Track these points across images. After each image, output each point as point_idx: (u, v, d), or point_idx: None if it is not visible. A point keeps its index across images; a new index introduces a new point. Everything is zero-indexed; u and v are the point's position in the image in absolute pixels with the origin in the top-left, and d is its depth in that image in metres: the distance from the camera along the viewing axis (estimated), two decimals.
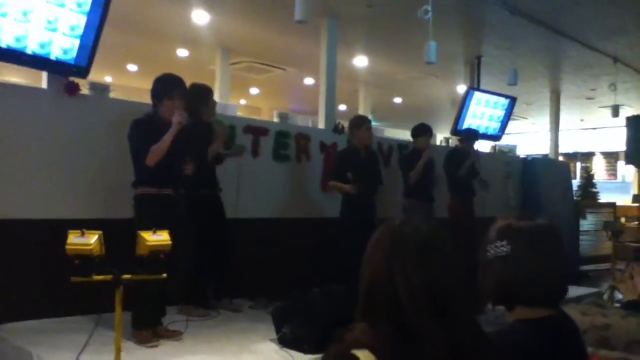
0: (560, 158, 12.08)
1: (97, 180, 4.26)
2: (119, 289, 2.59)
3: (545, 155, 11.16)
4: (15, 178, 3.92)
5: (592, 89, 10.74)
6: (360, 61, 8.94)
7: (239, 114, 8.18)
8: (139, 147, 3.61)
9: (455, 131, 7.72)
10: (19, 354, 3.35)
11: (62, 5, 3.89)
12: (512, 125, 10.40)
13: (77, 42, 4.02)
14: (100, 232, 2.63)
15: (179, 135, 3.62)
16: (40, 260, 3.91)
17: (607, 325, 3.44)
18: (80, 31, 4.01)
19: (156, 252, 2.77)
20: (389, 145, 6.60)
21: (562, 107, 11.32)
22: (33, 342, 3.42)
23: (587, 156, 16.21)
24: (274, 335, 3.71)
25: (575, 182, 11.14)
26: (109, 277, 2.56)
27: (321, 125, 6.47)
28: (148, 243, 2.76)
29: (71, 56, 4.02)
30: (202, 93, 4.41)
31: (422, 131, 5.81)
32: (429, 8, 5.19)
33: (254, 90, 12.03)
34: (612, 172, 16.10)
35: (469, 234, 4.46)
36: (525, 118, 13.84)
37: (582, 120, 14.35)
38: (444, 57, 6.63)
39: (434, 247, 1.11)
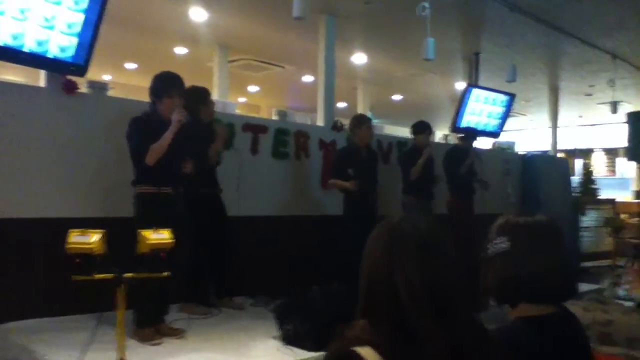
0: (559, 155, 12.07)
1: (97, 178, 4.25)
2: (120, 288, 2.58)
3: (545, 152, 11.16)
4: (14, 177, 3.91)
5: (591, 86, 10.73)
6: (359, 58, 8.93)
7: (238, 111, 8.15)
8: (138, 146, 3.60)
9: (454, 128, 7.72)
10: (22, 353, 3.34)
11: (59, 3, 3.86)
12: (510, 122, 10.40)
13: (74, 40, 3.99)
14: (104, 230, 2.63)
15: (178, 134, 3.61)
16: (40, 259, 3.90)
17: (609, 321, 3.45)
18: (78, 29, 3.98)
19: (157, 250, 2.76)
20: (388, 143, 6.59)
21: (560, 103, 11.33)
22: (36, 340, 3.41)
23: (586, 152, 16.22)
24: (275, 333, 3.71)
25: (575, 179, 11.14)
26: (110, 275, 2.56)
27: (320, 122, 6.46)
28: (149, 241, 2.76)
29: (69, 54, 3.99)
30: (200, 93, 4.41)
31: (422, 129, 5.82)
32: (427, 5, 5.19)
33: (252, 88, 12.01)
34: (612, 168, 16.12)
35: (469, 231, 4.47)
36: (524, 115, 13.83)
37: (580, 116, 14.35)
38: (443, 54, 6.62)
39: (434, 245, 1.10)
